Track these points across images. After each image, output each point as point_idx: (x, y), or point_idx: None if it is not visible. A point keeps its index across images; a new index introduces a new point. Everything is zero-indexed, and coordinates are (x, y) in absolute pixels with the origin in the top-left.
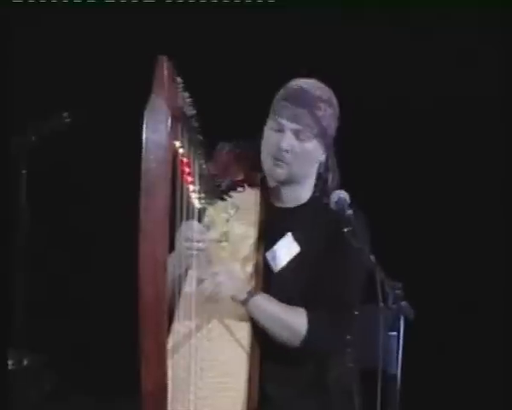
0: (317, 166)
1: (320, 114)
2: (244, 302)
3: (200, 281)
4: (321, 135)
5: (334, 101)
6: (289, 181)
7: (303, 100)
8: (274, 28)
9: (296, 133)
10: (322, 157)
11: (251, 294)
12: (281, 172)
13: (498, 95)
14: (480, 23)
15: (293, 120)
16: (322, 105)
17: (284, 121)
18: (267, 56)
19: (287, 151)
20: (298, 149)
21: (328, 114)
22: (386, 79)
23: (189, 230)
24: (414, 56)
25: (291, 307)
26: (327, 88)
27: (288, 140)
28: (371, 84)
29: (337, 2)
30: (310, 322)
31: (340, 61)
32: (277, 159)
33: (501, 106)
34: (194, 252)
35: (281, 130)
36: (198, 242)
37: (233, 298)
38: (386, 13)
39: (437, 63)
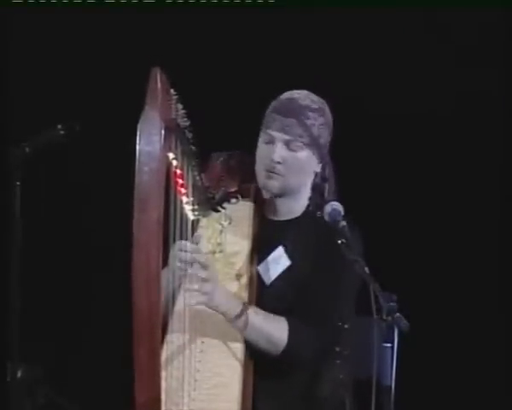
0: (312, 177)
1: (309, 122)
2: (236, 318)
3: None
4: (312, 144)
5: (326, 110)
6: (284, 193)
7: (291, 110)
8: (272, 34)
9: (287, 144)
10: (318, 167)
11: (243, 310)
12: (275, 185)
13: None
14: (481, 21)
15: (283, 130)
16: (311, 114)
17: (274, 133)
18: (264, 65)
19: (279, 163)
20: (290, 159)
21: (319, 123)
22: (386, 82)
23: (183, 248)
24: (413, 58)
25: (272, 316)
26: (318, 98)
27: (279, 151)
28: (371, 85)
29: (337, 3)
30: (290, 332)
31: (340, 62)
32: (270, 171)
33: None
34: (188, 270)
35: (271, 142)
36: (191, 259)
37: (224, 314)
38: (386, 13)
39: (436, 63)
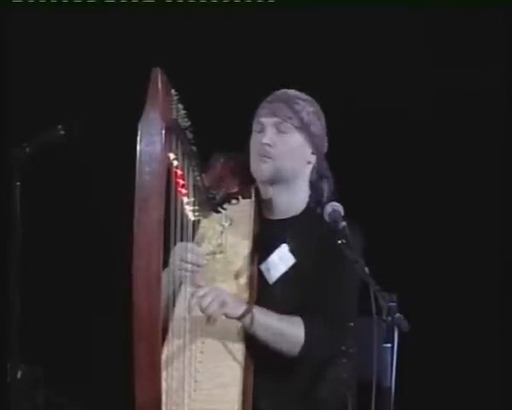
0: (308, 167)
1: (298, 107)
2: (241, 318)
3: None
4: (303, 128)
5: (316, 104)
6: (277, 179)
7: (281, 97)
8: (273, 34)
9: (277, 126)
10: (312, 158)
11: (248, 310)
12: (266, 168)
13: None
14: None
15: (272, 114)
16: (300, 101)
17: (263, 119)
18: (265, 65)
19: (269, 145)
20: (280, 141)
21: (309, 110)
22: (387, 82)
23: (183, 251)
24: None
25: (287, 316)
26: (309, 96)
27: (269, 134)
28: (370, 85)
29: (337, 3)
30: (306, 330)
31: (340, 62)
32: (261, 155)
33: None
34: (188, 273)
35: (262, 129)
36: (192, 263)
37: (228, 316)
38: (386, 13)
39: (435, 63)
